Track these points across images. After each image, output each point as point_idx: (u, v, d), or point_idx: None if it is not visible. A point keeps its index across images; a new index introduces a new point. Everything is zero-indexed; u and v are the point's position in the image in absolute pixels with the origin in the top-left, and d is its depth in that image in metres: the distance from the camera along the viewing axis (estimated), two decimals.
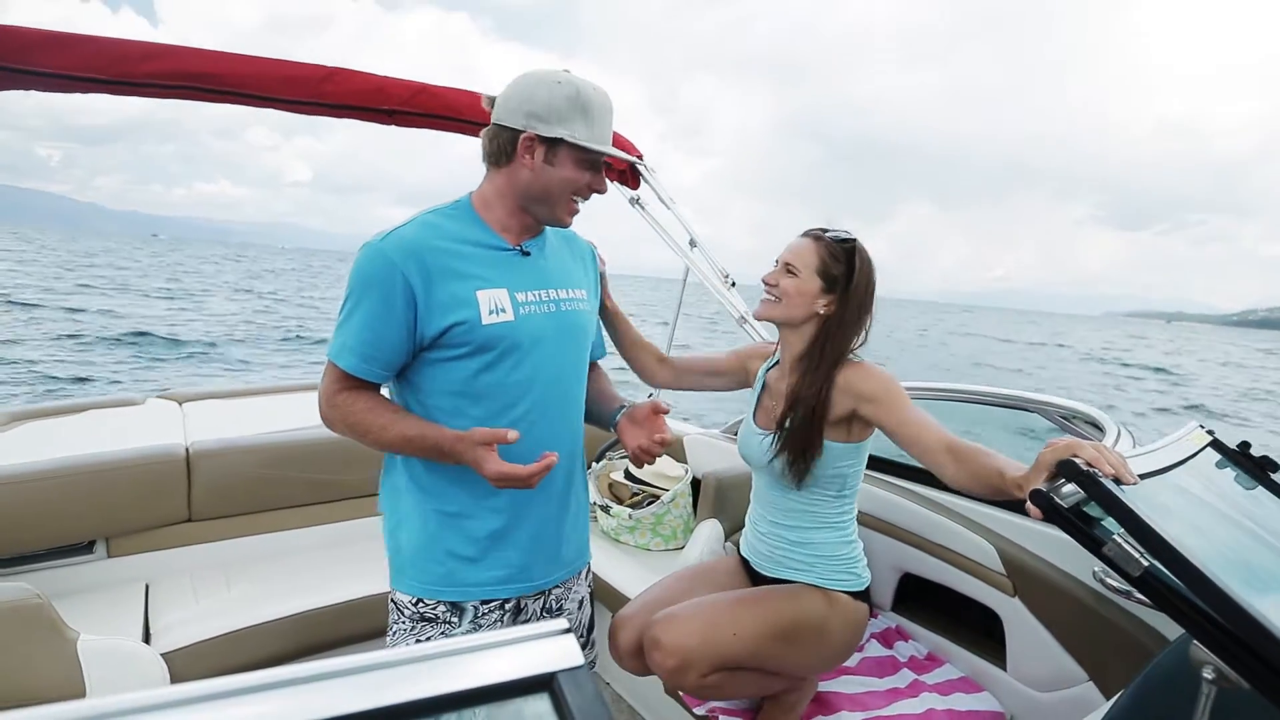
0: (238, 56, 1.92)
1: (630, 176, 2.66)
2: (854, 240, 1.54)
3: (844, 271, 1.52)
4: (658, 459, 2.81)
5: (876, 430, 1.53)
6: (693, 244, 2.67)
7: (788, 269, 1.54)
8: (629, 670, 1.64)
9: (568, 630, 0.52)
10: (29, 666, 1.35)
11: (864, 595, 1.63)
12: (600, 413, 1.58)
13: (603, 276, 1.61)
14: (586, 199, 1.37)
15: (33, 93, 1.77)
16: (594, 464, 2.90)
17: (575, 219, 1.40)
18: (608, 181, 1.43)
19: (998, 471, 1.17)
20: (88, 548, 2.24)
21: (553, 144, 1.29)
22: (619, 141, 2.59)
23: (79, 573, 2.20)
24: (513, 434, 1.21)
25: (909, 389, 2.37)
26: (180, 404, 3.06)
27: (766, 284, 1.57)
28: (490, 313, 1.29)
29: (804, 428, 1.52)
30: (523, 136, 1.29)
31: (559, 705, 0.48)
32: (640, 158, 2.63)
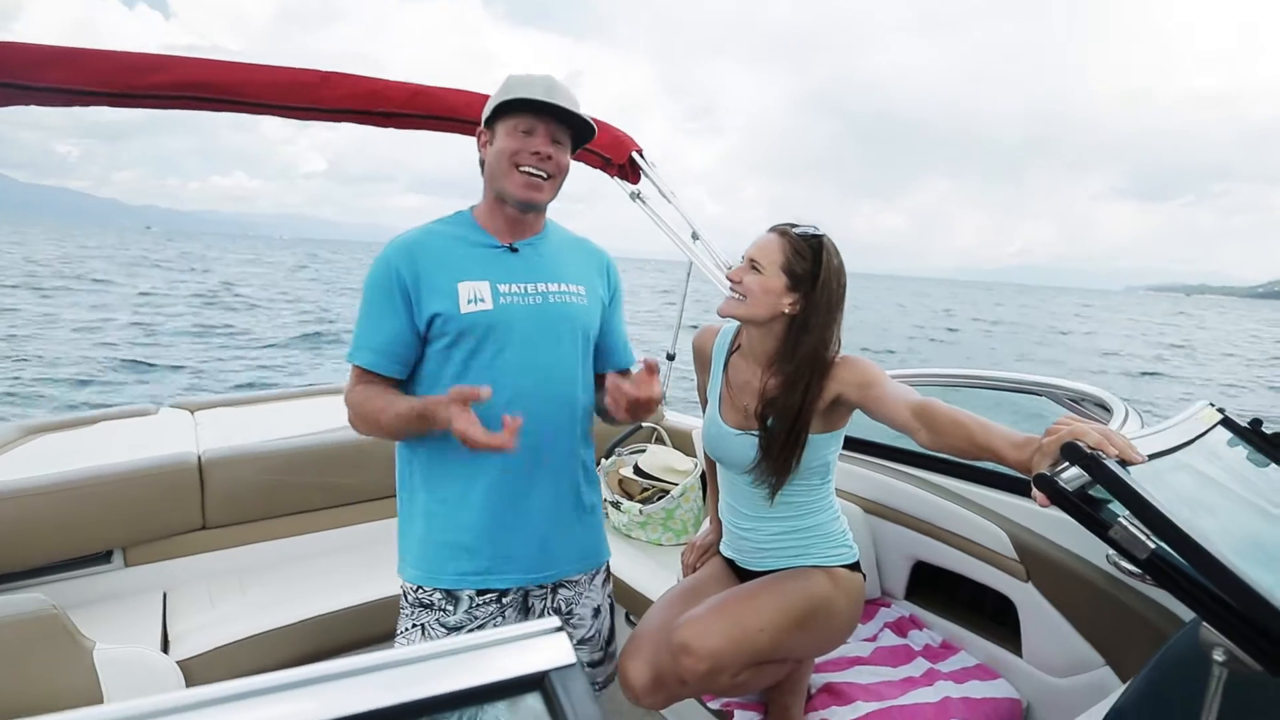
0: (236, 65, 1.93)
1: (630, 171, 2.65)
2: (821, 236, 1.48)
3: (809, 269, 1.46)
4: (666, 450, 2.81)
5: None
6: (695, 236, 2.66)
7: (752, 265, 1.49)
8: (647, 706, 1.55)
9: (559, 629, 0.52)
10: (46, 676, 1.37)
11: (858, 566, 1.63)
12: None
13: None
14: (534, 166, 1.38)
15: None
16: (603, 460, 2.91)
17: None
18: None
19: (988, 448, 1.16)
20: (106, 557, 2.26)
21: (490, 124, 1.41)
22: (614, 133, 2.58)
23: (98, 582, 2.23)
24: (485, 390, 1.23)
25: (916, 375, 2.36)
26: (192, 412, 3.09)
27: (731, 280, 1.52)
28: (469, 301, 1.36)
29: (787, 438, 1.49)
30: (479, 135, 1.46)
31: (551, 704, 0.48)
32: (639, 150, 2.62)
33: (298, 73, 1.99)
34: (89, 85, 1.76)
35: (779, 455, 1.50)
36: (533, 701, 0.49)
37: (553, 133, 1.39)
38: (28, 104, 1.74)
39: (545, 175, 1.39)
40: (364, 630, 2.15)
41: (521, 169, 1.38)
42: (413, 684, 0.48)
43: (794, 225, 1.51)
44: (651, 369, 1.35)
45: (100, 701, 1.39)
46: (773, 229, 1.52)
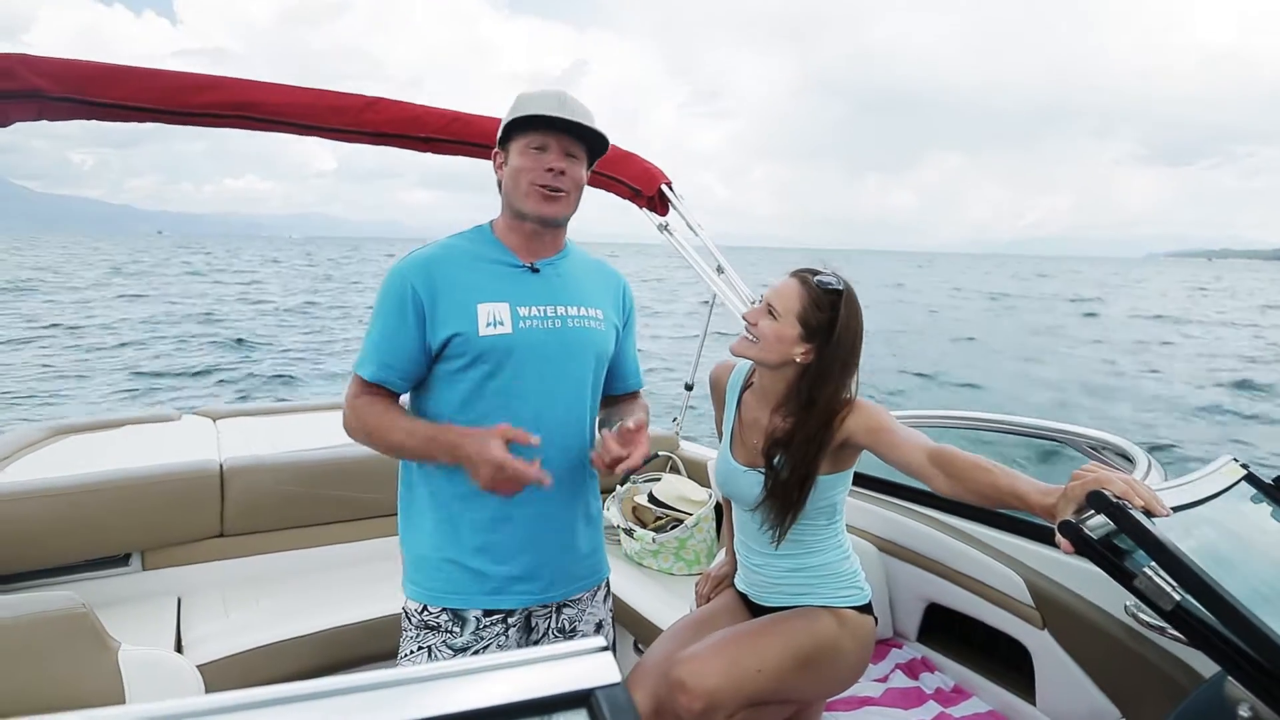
0: (283, 87, 2.01)
1: (659, 203, 2.70)
2: (842, 290, 1.47)
3: (826, 321, 1.46)
4: (676, 480, 2.82)
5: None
6: (720, 269, 2.70)
7: (769, 310, 1.49)
8: None
9: (605, 648, 0.54)
10: (72, 674, 1.39)
11: (869, 609, 1.61)
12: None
13: None
14: (549, 182, 1.38)
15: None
16: (618, 487, 2.91)
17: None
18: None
19: (1014, 494, 1.16)
20: (124, 560, 2.29)
21: (504, 145, 1.42)
22: (644, 165, 2.63)
23: (114, 584, 2.25)
24: (535, 439, 1.26)
25: (928, 417, 2.36)
26: (215, 420, 3.13)
27: (747, 321, 1.53)
28: (488, 325, 1.35)
29: (793, 481, 1.49)
30: (495, 156, 1.46)
31: None
32: (669, 183, 2.68)
33: (343, 96, 2.06)
34: (145, 102, 1.83)
35: (784, 495, 1.50)
36: (578, 719, 0.50)
37: (566, 147, 1.39)
38: (87, 118, 1.82)
39: (561, 190, 1.39)
40: (378, 643, 2.15)
41: (537, 185, 1.38)
42: (457, 697, 0.49)
43: (816, 273, 1.51)
44: (637, 429, 1.36)
45: (122, 703, 1.41)
46: (795, 273, 1.52)
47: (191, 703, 0.43)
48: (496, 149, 1.45)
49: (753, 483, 1.55)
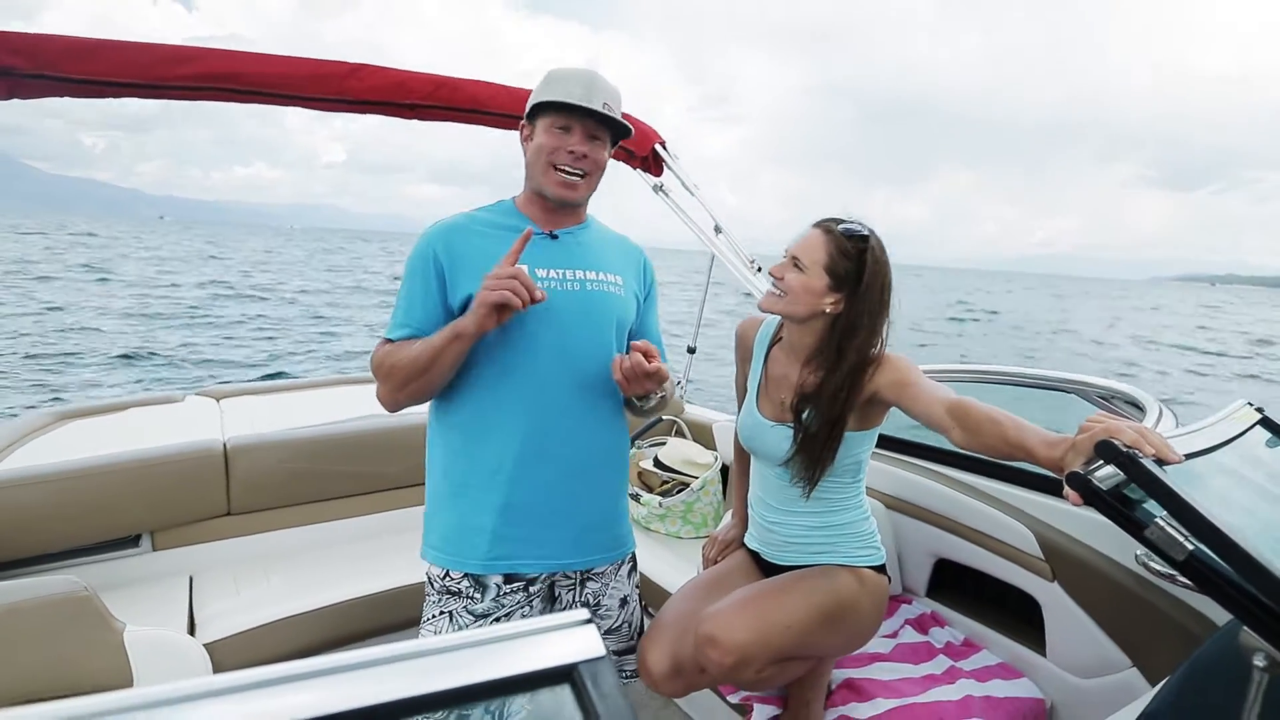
0: (263, 56, 1.95)
1: (653, 163, 2.64)
2: (868, 236, 1.45)
3: (853, 269, 1.43)
4: (685, 445, 2.80)
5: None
6: (718, 229, 2.65)
7: (794, 263, 1.47)
8: (665, 693, 1.56)
9: (589, 621, 0.52)
10: (78, 657, 1.40)
11: (883, 569, 1.62)
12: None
13: None
14: (570, 165, 1.40)
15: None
16: None
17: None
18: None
19: (1021, 447, 1.14)
20: (134, 541, 2.30)
21: (532, 120, 1.44)
22: (637, 125, 2.57)
23: (126, 565, 2.27)
24: (541, 294, 1.27)
25: (946, 370, 2.33)
26: (218, 400, 3.13)
27: (773, 276, 1.51)
28: None
29: (823, 434, 1.47)
30: (522, 128, 1.48)
31: (580, 696, 0.48)
32: (662, 143, 2.61)
33: (325, 64, 2.01)
34: (121, 77, 1.78)
35: (813, 450, 1.49)
36: (562, 693, 0.49)
37: (590, 130, 1.40)
38: (61, 95, 1.77)
39: (581, 173, 1.41)
40: (386, 617, 2.17)
41: (558, 168, 1.39)
42: (441, 674, 0.48)
43: (839, 221, 1.48)
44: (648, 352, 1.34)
45: (130, 683, 1.42)
46: (818, 224, 1.50)
47: (193, 685, 0.42)
48: (524, 120, 1.47)
49: (781, 437, 1.54)
